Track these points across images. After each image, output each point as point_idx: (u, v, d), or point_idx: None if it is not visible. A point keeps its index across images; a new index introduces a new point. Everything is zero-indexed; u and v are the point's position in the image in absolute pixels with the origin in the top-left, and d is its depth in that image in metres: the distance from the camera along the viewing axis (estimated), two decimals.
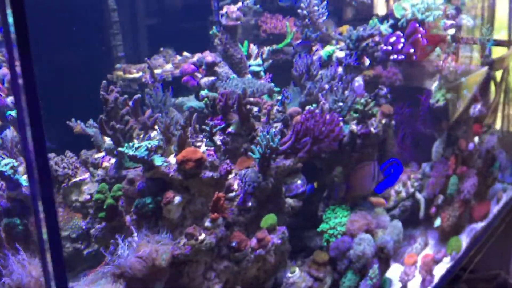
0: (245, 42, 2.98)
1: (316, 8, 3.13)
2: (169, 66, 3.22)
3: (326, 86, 2.75)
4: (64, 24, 3.18)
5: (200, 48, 3.44)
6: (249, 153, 2.14)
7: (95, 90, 3.45)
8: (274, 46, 3.13)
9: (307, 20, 3.14)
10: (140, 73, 3.06)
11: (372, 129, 2.63)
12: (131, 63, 3.44)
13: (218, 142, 2.12)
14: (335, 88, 2.67)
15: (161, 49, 3.28)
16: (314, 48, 3.17)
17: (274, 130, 2.23)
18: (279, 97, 2.63)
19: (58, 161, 2.31)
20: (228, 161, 2.08)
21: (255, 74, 2.79)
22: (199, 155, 1.91)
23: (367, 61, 3.05)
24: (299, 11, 3.14)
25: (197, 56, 2.93)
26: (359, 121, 2.63)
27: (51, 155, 2.32)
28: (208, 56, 2.63)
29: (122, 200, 2.02)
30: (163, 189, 1.94)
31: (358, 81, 2.68)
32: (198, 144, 2.07)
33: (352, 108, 2.61)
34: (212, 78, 2.64)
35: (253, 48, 2.94)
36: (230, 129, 2.24)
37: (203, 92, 2.52)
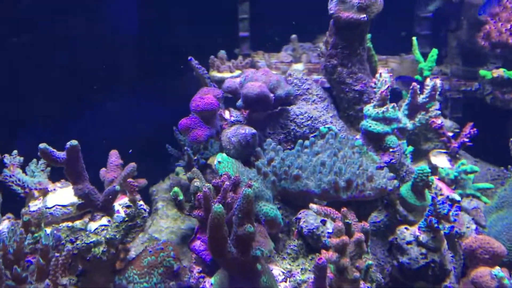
0: (433, 51, 1.43)
1: None
2: (299, 66, 1.92)
3: None
4: None
5: (399, 45, 2.04)
6: None
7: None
8: (501, 72, 1.46)
9: None
10: (236, 73, 1.85)
11: None
12: (259, 50, 2.25)
13: None
14: None
15: (293, 36, 1.97)
16: None
17: None
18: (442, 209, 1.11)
19: None
20: None
21: (373, 139, 1.25)
22: None
23: None
24: None
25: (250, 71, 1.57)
26: None
27: None
28: (253, 82, 1.24)
29: None
30: None
31: None
32: None
33: None
34: (245, 129, 1.26)
35: (384, 79, 1.36)
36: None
37: (220, 157, 1.17)
